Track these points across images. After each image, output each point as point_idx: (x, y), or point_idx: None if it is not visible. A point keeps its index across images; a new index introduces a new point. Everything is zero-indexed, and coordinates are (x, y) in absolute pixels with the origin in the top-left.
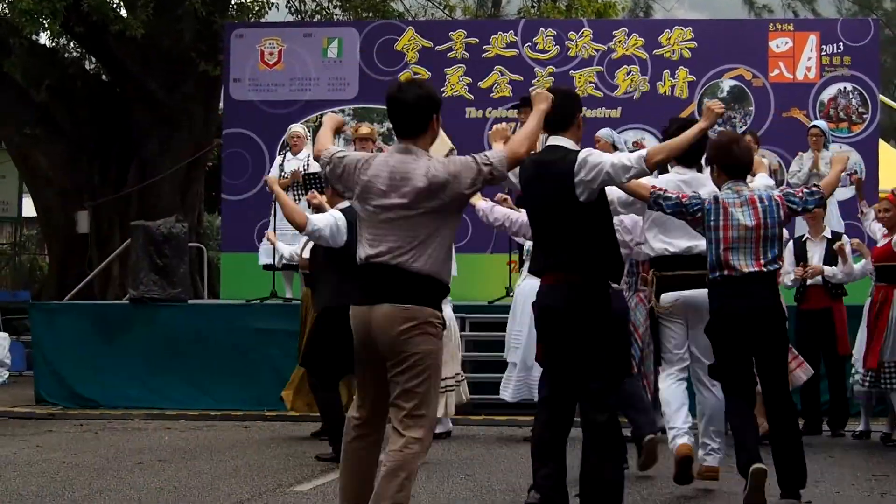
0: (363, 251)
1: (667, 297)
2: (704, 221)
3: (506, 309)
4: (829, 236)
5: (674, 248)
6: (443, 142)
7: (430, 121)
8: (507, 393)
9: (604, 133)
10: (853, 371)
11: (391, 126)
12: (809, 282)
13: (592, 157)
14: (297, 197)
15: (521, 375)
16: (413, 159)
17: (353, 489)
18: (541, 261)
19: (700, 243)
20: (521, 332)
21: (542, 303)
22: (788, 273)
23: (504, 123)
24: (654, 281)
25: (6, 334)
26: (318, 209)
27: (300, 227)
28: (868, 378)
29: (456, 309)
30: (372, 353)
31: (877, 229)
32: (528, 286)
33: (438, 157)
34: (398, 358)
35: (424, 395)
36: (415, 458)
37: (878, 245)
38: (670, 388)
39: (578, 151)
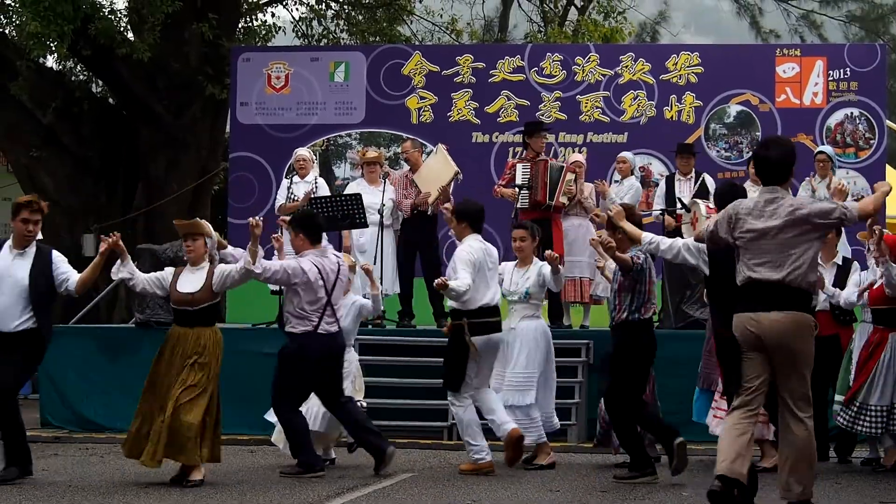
0: (747, 272)
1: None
2: None
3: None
4: (840, 262)
5: None
6: (448, 166)
7: (790, 173)
8: (533, 436)
9: (629, 156)
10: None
11: (398, 150)
12: (818, 307)
13: None
14: None
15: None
16: (780, 199)
17: (732, 452)
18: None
19: None
20: (534, 373)
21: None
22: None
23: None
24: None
25: None
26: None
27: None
28: (847, 415)
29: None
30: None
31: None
32: (529, 327)
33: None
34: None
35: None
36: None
37: (875, 286)
38: None
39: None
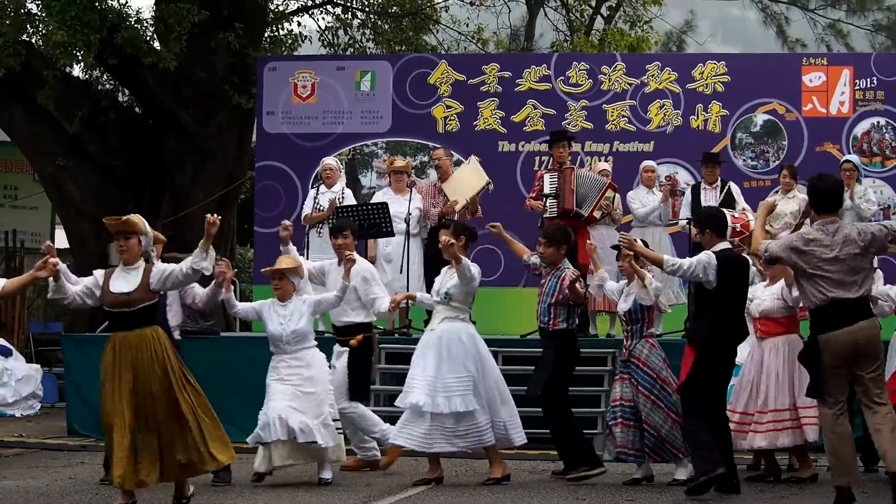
0: (827, 294)
1: None
2: None
3: (539, 343)
4: None
5: None
6: (479, 176)
7: (842, 201)
8: (470, 441)
9: (655, 165)
10: None
11: (424, 160)
12: None
13: None
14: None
15: (484, 419)
16: (841, 227)
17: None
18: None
19: None
20: (465, 377)
21: None
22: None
23: None
24: None
25: (38, 366)
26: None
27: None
28: None
29: (488, 343)
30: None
31: (886, 290)
32: (451, 329)
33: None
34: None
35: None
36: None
37: None
38: None
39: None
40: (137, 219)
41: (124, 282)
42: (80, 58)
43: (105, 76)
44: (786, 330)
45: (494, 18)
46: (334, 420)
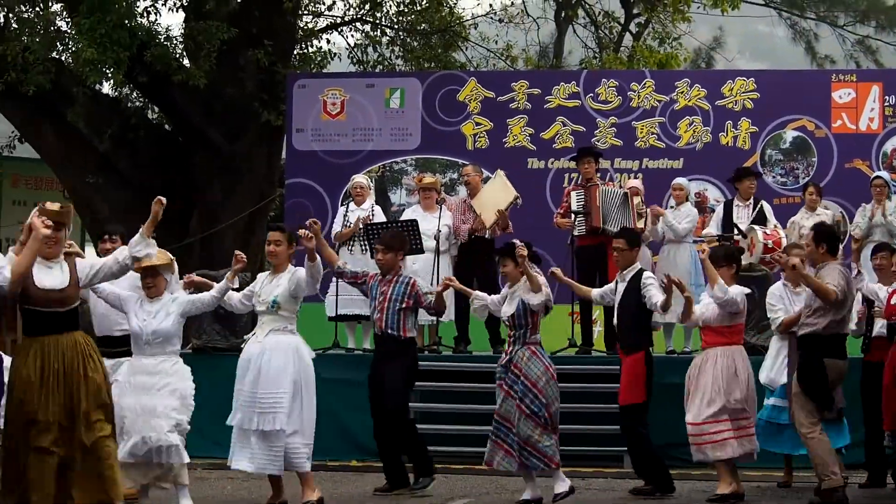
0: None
1: None
2: None
3: (570, 360)
4: None
5: None
6: (508, 190)
7: None
8: (254, 464)
9: (685, 182)
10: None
11: (454, 177)
12: (874, 332)
13: None
14: (362, 247)
15: (299, 441)
16: None
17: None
18: None
19: None
20: (279, 393)
21: None
22: (853, 319)
23: None
24: None
25: None
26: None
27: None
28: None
29: None
30: None
31: (876, 289)
32: (279, 343)
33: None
34: None
35: None
36: None
37: (893, 302)
38: None
39: None
40: (69, 209)
41: (51, 277)
42: (109, 75)
43: (135, 94)
44: (726, 341)
45: (523, 35)
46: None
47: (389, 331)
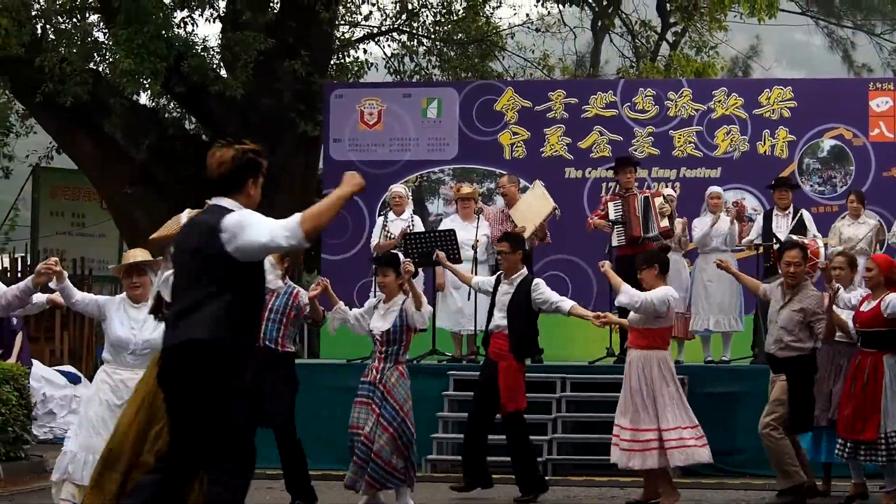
0: None
1: None
2: None
3: (607, 369)
4: None
5: None
6: (546, 201)
7: None
8: None
9: (720, 191)
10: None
11: (491, 186)
12: None
13: None
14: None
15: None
16: None
17: None
18: None
19: None
20: None
21: None
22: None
23: None
24: None
25: None
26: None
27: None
28: (847, 449)
29: (555, 369)
30: None
31: (850, 297)
32: None
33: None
34: None
35: None
36: None
37: (863, 309)
38: None
39: None
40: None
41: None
42: (146, 86)
43: (172, 104)
44: (646, 344)
45: (560, 45)
46: None
47: (267, 342)
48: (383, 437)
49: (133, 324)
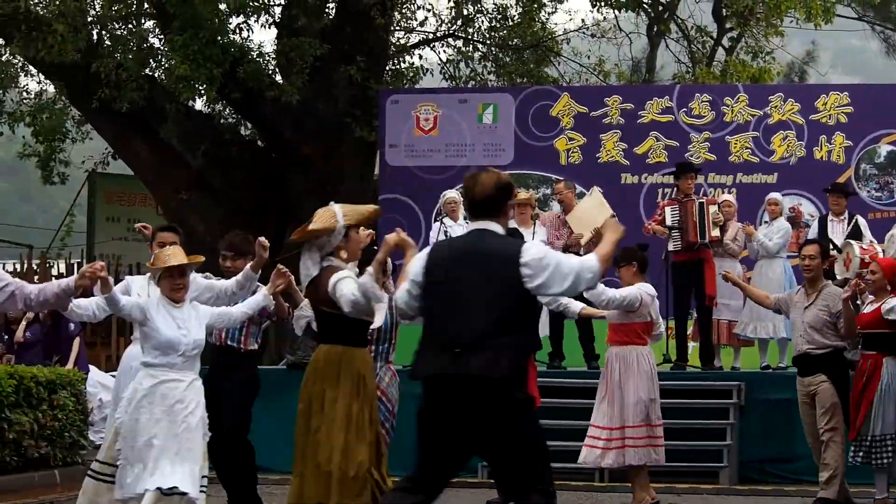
0: None
1: None
2: None
3: (666, 376)
4: None
5: None
6: (603, 208)
7: None
8: None
9: (780, 197)
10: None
11: (547, 192)
12: None
13: None
14: None
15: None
16: None
17: None
18: None
19: None
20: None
21: None
22: None
23: None
24: None
25: None
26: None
27: None
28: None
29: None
30: None
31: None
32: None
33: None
34: None
35: None
36: None
37: (865, 311)
38: None
39: None
40: None
41: None
42: (202, 91)
43: (227, 110)
44: (622, 340)
45: (616, 50)
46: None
47: (229, 342)
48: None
49: (180, 324)
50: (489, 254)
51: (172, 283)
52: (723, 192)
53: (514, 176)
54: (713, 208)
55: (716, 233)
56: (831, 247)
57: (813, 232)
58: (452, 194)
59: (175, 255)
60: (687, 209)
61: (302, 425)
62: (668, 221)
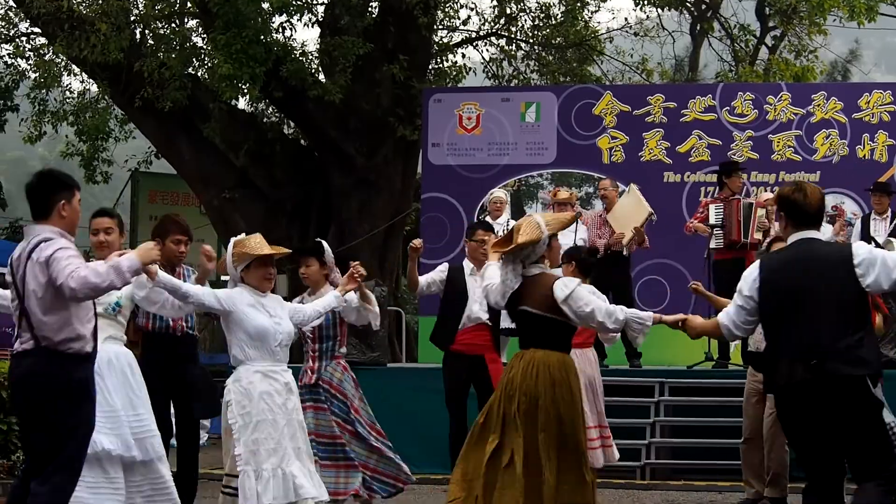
0: None
1: None
2: None
3: (707, 374)
4: None
5: None
6: (641, 206)
7: None
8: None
9: None
10: None
11: (590, 191)
12: None
13: None
14: None
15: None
16: None
17: None
18: None
19: None
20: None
21: None
22: None
23: None
24: None
25: None
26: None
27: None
28: None
29: (654, 373)
30: None
31: None
32: (118, 352)
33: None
34: None
35: None
36: None
37: None
38: None
39: None
40: None
41: None
42: (245, 90)
43: (270, 109)
44: (582, 342)
45: (659, 49)
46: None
47: (188, 330)
48: (355, 443)
49: (272, 312)
50: (826, 259)
51: (266, 273)
52: (765, 191)
53: (557, 175)
54: (761, 211)
55: (758, 236)
56: (874, 245)
57: (856, 231)
58: (499, 193)
59: (264, 245)
60: (733, 207)
61: None
62: (713, 219)
